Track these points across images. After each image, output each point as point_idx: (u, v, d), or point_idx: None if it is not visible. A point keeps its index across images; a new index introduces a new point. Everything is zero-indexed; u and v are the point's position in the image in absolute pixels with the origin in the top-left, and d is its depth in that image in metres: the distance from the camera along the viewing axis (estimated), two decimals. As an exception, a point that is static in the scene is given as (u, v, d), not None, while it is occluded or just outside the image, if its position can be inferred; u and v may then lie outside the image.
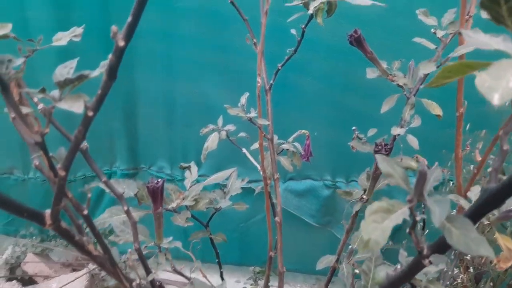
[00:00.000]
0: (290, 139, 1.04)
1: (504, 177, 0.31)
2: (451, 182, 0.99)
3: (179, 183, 1.71)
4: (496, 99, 0.19)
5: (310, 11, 0.64)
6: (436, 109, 0.72)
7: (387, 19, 1.28)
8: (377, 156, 0.31)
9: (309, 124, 1.49)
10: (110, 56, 0.28)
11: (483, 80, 0.20)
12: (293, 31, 0.82)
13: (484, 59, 0.25)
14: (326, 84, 1.45)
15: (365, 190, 0.77)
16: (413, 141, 0.72)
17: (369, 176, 0.76)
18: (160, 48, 1.47)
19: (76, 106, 0.29)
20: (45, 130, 0.31)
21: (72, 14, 1.47)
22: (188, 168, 0.88)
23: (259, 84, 0.91)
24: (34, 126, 0.31)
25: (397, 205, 0.30)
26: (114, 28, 0.27)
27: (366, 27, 1.29)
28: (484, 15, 0.30)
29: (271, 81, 0.91)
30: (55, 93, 0.31)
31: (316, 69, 1.43)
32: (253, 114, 0.87)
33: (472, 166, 0.91)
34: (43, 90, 0.29)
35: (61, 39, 0.51)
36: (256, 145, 1.03)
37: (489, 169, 0.29)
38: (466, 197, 0.84)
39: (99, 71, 0.32)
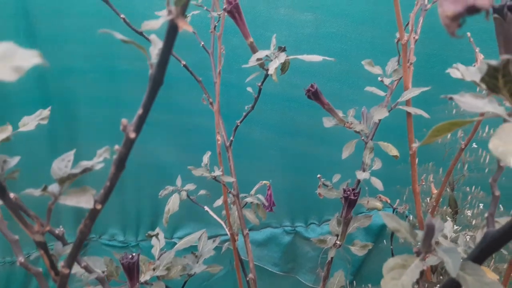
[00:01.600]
0: (253, 192, 1.04)
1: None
2: (411, 216, 1.04)
3: (133, 249, 1.64)
4: (513, 163, 0.21)
5: (271, 72, 0.67)
6: (392, 150, 0.77)
7: (329, 66, 1.36)
8: (382, 213, 0.32)
9: (263, 172, 1.51)
10: (118, 147, 0.28)
11: (495, 145, 0.22)
12: (249, 89, 0.85)
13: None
14: (275, 132, 1.49)
15: (337, 235, 0.79)
16: (377, 183, 0.75)
17: (339, 221, 0.78)
18: (104, 112, 1.44)
19: (84, 201, 0.28)
20: (46, 228, 0.30)
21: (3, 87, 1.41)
22: (156, 236, 0.85)
23: (219, 142, 0.92)
24: (33, 226, 0.29)
25: (409, 259, 0.31)
26: (124, 121, 0.27)
27: (310, 75, 1.37)
28: (468, 78, 0.33)
29: (231, 138, 0.92)
30: (54, 188, 0.30)
31: (264, 118, 1.46)
32: (217, 172, 0.88)
33: (428, 199, 0.96)
34: (44, 188, 0.28)
35: (28, 123, 0.50)
36: (219, 202, 1.02)
37: (485, 215, 0.31)
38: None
39: (98, 160, 0.31)
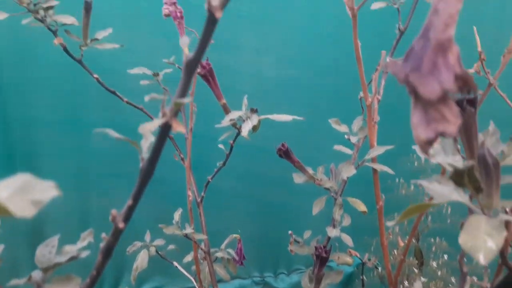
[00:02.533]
0: (223, 246, 1.04)
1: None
2: (379, 268, 1.06)
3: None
4: (482, 260, 0.23)
5: (244, 134, 0.69)
6: (361, 206, 0.79)
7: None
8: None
9: (232, 222, 1.51)
10: (105, 236, 0.29)
11: (465, 240, 0.24)
12: (221, 146, 0.86)
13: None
14: (244, 181, 1.50)
15: (309, 292, 0.79)
16: (347, 239, 0.77)
17: (311, 278, 0.79)
18: (71, 163, 1.42)
19: (70, 292, 0.28)
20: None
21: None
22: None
23: (190, 198, 0.92)
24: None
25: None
26: (113, 211, 0.27)
27: (277, 124, 1.41)
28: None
29: (202, 193, 0.92)
30: (37, 275, 0.30)
31: (233, 167, 1.47)
32: (188, 230, 0.87)
33: (395, 251, 0.99)
34: (29, 278, 0.28)
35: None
36: (189, 258, 1.01)
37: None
38: (396, 283, 0.91)
39: (82, 244, 0.31)
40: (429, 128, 0.18)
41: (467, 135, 0.32)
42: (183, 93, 0.24)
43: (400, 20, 0.87)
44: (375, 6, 0.83)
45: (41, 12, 0.76)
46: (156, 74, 0.92)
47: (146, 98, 0.25)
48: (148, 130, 0.25)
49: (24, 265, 1.41)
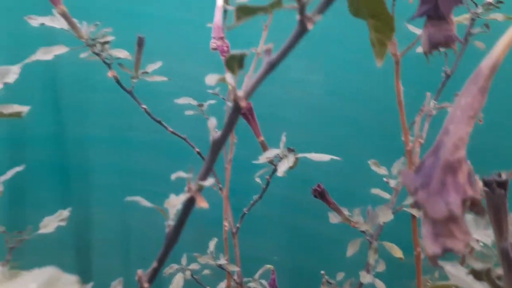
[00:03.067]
0: (257, 276, 1.04)
1: None
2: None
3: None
4: None
5: (280, 174, 0.70)
6: (397, 252, 0.78)
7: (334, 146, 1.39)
8: None
9: (266, 249, 1.51)
10: (131, 293, 0.30)
11: None
12: (257, 180, 0.88)
13: None
14: (280, 209, 1.50)
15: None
16: (381, 286, 0.76)
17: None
18: (116, 181, 1.48)
19: None
20: None
21: (26, 152, 1.47)
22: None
23: (226, 228, 0.94)
24: None
25: None
26: (139, 272, 0.29)
27: (317, 169, 1.40)
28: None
29: (238, 224, 0.94)
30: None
31: (270, 194, 1.48)
32: (222, 261, 0.89)
33: (433, 298, 0.95)
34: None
35: (48, 225, 0.52)
36: (222, 285, 1.02)
37: None
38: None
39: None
40: (437, 242, 0.18)
41: (496, 219, 0.32)
42: (207, 172, 0.26)
43: (447, 64, 0.85)
44: (420, 49, 0.82)
45: (98, 46, 0.81)
46: (200, 105, 0.95)
47: (173, 177, 0.27)
48: (174, 205, 0.26)
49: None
